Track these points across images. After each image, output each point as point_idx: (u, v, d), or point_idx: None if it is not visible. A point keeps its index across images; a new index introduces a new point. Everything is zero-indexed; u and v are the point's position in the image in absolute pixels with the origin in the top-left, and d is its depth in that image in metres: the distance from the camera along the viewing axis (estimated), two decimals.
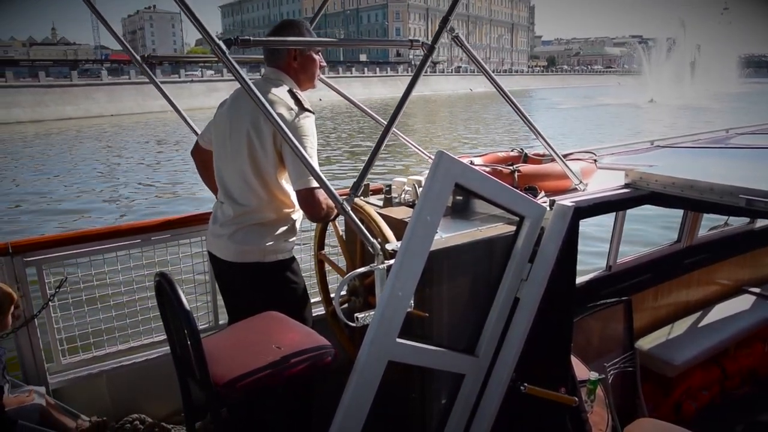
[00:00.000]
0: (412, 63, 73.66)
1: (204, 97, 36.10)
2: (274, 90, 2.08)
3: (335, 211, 1.99)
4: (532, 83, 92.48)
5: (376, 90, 57.03)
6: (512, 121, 28.33)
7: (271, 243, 2.16)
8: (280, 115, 1.92)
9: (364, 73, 64.37)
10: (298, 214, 2.24)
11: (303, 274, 2.38)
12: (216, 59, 1.41)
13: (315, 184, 1.92)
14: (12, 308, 2.11)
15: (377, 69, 66.29)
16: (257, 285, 2.20)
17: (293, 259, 2.27)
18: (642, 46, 66.59)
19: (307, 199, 1.98)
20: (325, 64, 2.30)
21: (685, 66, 56.04)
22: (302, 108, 2.04)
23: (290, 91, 2.10)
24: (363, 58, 72.64)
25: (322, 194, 1.95)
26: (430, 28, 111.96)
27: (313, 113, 2.10)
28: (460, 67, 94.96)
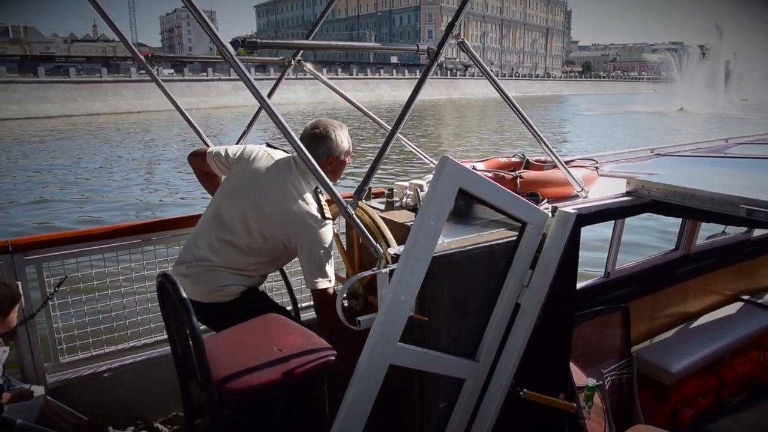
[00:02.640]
0: (444, 66, 73.23)
1: (231, 95, 36.50)
2: (301, 184, 2.19)
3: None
4: (565, 89, 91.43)
5: (403, 92, 56.97)
6: (542, 128, 28.04)
7: (234, 285, 2.21)
8: (303, 219, 2.11)
9: (392, 74, 64.46)
10: (263, 281, 2.38)
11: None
12: (222, 59, 1.42)
13: (327, 285, 2.10)
14: (15, 308, 2.13)
15: (406, 71, 66.26)
16: (221, 317, 2.21)
17: (253, 290, 2.30)
18: (672, 53, 64.69)
19: (322, 298, 2.13)
20: (349, 161, 2.37)
21: (719, 74, 53.94)
22: (323, 216, 2.14)
23: (314, 193, 2.20)
24: (394, 60, 72.73)
25: (330, 293, 2.10)
26: (462, 30, 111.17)
27: (332, 220, 2.20)
28: (492, 71, 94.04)
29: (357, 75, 59.54)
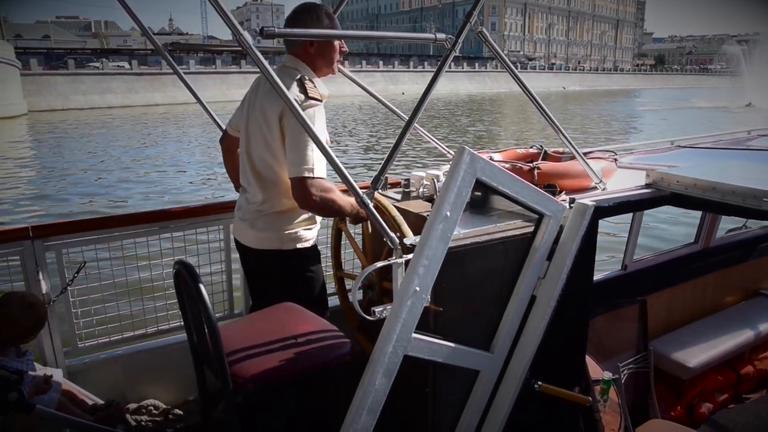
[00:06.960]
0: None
1: None
2: (284, 80, 2.01)
3: (332, 202, 1.98)
4: (633, 83, 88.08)
5: (461, 85, 56.54)
6: (606, 121, 26.77)
7: (289, 231, 2.18)
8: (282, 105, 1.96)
9: (450, 68, 64.30)
10: (313, 231, 2.28)
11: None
12: (240, 48, 1.42)
13: (306, 173, 1.94)
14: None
15: (464, 64, 65.35)
16: (276, 271, 2.23)
17: (313, 248, 2.28)
18: (743, 45, 59.60)
19: (297, 187, 1.97)
20: (346, 49, 2.25)
21: None
22: (307, 97, 2.01)
23: (299, 80, 2.06)
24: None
25: (315, 184, 1.95)
26: (527, 23, 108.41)
27: (320, 101, 2.05)
28: (554, 64, 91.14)
29: (415, 68, 59.42)
